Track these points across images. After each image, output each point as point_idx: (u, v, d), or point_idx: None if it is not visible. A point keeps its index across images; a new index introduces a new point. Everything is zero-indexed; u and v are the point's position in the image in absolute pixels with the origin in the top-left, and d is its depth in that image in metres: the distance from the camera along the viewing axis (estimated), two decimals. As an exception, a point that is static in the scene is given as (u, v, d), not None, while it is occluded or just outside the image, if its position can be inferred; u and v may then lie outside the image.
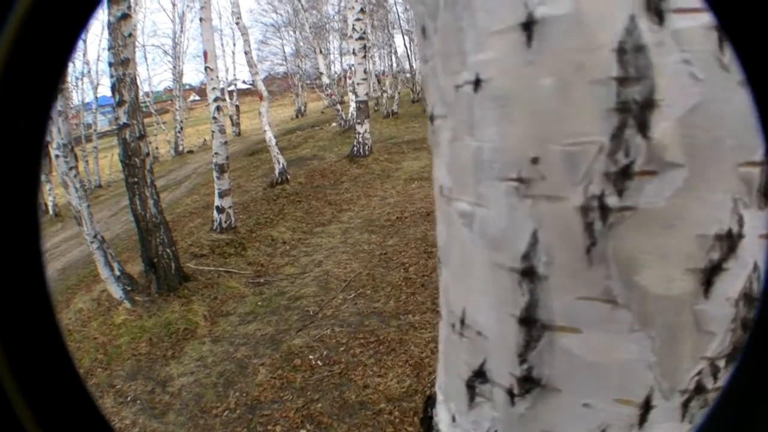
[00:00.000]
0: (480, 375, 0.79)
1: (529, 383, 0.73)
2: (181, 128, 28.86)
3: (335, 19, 33.03)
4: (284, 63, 39.29)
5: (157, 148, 27.47)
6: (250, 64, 15.47)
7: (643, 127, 0.62)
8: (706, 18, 0.60)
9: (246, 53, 15.67)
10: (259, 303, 7.81)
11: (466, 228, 0.77)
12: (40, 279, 0.54)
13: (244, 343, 6.91)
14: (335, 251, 9.25)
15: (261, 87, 14.43)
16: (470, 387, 0.81)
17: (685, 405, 0.68)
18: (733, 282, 0.65)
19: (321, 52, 27.48)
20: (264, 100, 14.06)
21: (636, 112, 0.62)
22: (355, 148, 15.36)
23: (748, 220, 0.64)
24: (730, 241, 0.64)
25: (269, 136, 13.72)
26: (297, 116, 35.63)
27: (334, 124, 23.56)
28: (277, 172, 13.74)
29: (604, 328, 0.67)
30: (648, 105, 0.62)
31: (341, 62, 36.22)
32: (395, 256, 8.32)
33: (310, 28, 28.14)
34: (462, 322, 0.81)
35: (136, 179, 7.95)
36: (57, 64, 0.52)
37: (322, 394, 5.55)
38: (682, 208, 0.63)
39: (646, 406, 0.68)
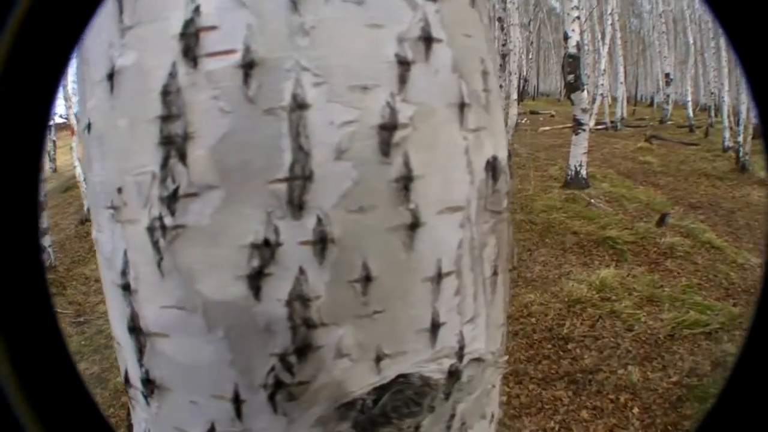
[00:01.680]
0: (126, 380, 0.91)
1: (151, 385, 0.85)
2: (11, 167, 28.72)
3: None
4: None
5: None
6: (66, 98, 15.34)
7: (183, 157, 0.75)
8: (234, 58, 0.73)
9: (63, 86, 15.53)
10: (83, 342, 8.01)
11: (97, 251, 0.92)
12: (40, 281, 0.62)
13: (77, 383, 7.06)
14: (144, 285, 9.54)
15: (74, 120, 14.33)
16: (126, 391, 0.93)
17: (272, 398, 0.78)
18: (279, 285, 0.75)
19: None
20: (75, 134, 14.01)
21: (178, 144, 0.75)
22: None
23: (285, 230, 0.75)
24: (269, 250, 0.75)
25: (79, 171, 13.70)
26: (107, 148, 35.53)
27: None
28: (86, 208, 13.84)
29: (186, 332, 0.79)
30: (186, 137, 0.75)
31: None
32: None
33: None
34: (114, 333, 0.94)
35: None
36: (58, 63, 0.58)
37: (156, 431, 5.71)
38: (223, 223, 0.75)
39: (237, 401, 0.79)
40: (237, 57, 0.73)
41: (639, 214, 10.06)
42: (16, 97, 0.62)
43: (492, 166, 0.90)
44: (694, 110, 30.18)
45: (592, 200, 10.45)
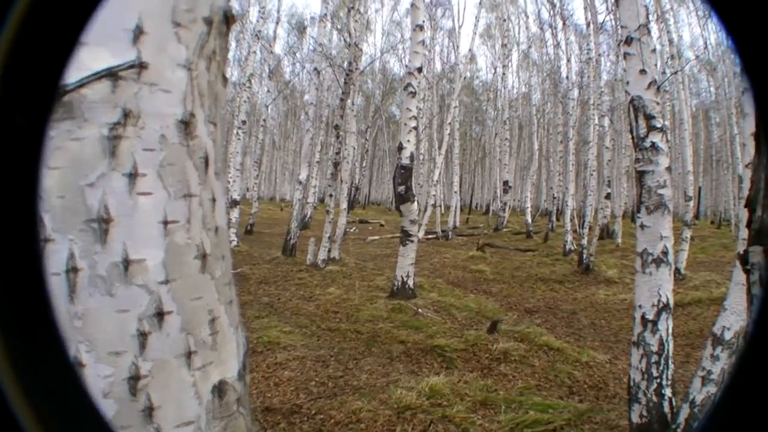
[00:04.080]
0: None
1: None
2: None
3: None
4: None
5: None
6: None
7: None
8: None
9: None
10: None
11: None
12: (40, 282, 0.64)
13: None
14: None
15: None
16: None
17: None
18: None
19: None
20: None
21: None
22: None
23: None
24: None
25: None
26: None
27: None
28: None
29: None
30: None
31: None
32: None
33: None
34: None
35: None
36: (58, 62, 0.58)
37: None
38: None
39: None
40: None
41: (469, 322, 10.41)
42: (17, 96, 0.61)
43: (218, 389, 1.41)
44: (533, 216, 31.48)
45: (420, 310, 10.72)
